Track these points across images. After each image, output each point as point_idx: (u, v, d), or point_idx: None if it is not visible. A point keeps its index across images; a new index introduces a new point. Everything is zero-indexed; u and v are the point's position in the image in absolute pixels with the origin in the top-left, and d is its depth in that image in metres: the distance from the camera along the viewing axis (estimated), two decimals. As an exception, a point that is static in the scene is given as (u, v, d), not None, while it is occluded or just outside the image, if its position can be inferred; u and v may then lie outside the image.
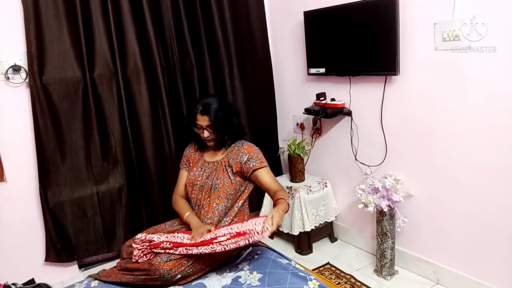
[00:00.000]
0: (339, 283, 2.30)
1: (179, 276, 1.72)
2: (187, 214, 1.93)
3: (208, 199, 1.90)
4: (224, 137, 1.95)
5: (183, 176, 2.09)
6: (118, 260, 1.98)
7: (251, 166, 1.88)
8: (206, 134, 1.92)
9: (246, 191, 1.97)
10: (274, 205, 1.77)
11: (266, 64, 2.98)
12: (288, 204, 1.77)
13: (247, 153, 1.91)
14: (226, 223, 1.89)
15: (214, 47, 2.71)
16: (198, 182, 1.97)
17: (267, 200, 2.85)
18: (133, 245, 1.77)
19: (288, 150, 2.71)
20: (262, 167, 1.89)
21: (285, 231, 2.67)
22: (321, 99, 2.57)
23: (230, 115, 1.96)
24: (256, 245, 2.00)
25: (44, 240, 2.30)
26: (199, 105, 1.91)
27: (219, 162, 1.95)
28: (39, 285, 1.90)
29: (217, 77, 2.76)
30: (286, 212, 1.74)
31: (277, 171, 3.10)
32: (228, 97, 2.79)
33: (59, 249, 2.31)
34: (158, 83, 2.47)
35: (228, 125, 1.94)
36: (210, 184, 1.91)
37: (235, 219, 1.92)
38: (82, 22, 2.22)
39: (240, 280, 1.71)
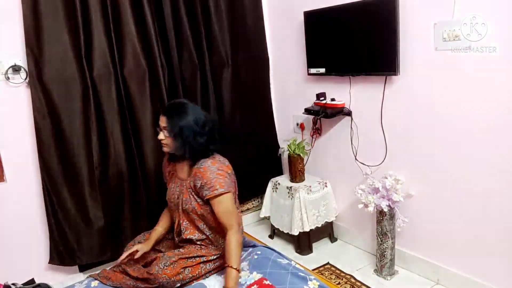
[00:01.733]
0: (339, 283, 2.30)
1: (178, 284, 1.73)
2: (154, 230, 1.96)
3: (185, 219, 1.83)
4: (180, 149, 1.76)
5: (168, 190, 1.97)
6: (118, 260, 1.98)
7: (204, 195, 1.72)
8: (161, 136, 1.77)
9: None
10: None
11: (263, 64, 2.98)
12: (237, 270, 1.63)
13: (201, 178, 1.71)
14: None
15: (212, 47, 2.71)
16: (173, 200, 1.87)
17: (267, 199, 2.85)
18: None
19: (288, 150, 2.71)
20: (215, 196, 1.69)
21: (285, 231, 2.67)
22: (321, 99, 2.57)
23: (194, 129, 1.73)
24: (256, 245, 2.00)
25: (44, 240, 2.30)
26: (167, 105, 1.80)
27: (185, 184, 1.81)
28: (39, 285, 1.89)
29: (215, 77, 2.76)
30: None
31: (277, 171, 3.10)
32: (224, 96, 2.79)
33: (62, 251, 2.30)
34: (158, 83, 2.47)
35: (187, 138, 1.72)
36: (181, 206, 1.81)
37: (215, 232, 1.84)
38: (82, 22, 2.21)
39: (240, 280, 1.71)
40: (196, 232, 1.83)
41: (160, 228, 1.97)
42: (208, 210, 1.77)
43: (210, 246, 1.83)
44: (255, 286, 1.63)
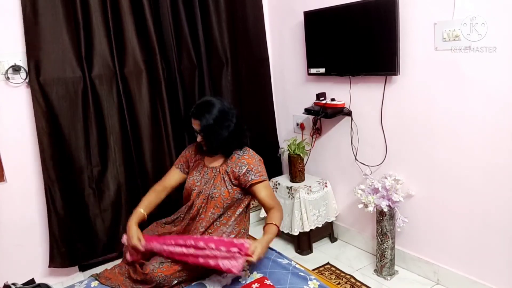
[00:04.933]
0: (339, 283, 2.30)
1: (176, 281, 1.72)
2: (137, 210, 1.89)
3: (205, 207, 1.84)
4: (214, 146, 1.83)
5: (173, 174, 2.01)
6: (119, 260, 1.98)
7: (249, 179, 1.79)
8: (199, 138, 1.83)
9: (246, 199, 1.89)
10: (264, 228, 1.74)
11: (263, 64, 2.98)
12: (278, 228, 1.73)
13: (247, 164, 1.81)
14: (224, 228, 1.85)
15: (211, 47, 2.71)
16: (196, 188, 1.88)
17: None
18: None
19: (288, 150, 2.71)
20: (261, 181, 1.80)
21: (285, 231, 2.67)
22: (321, 99, 2.57)
23: (222, 126, 1.78)
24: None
25: (44, 240, 2.30)
26: (193, 108, 1.82)
27: (218, 170, 1.86)
28: (39, 285, 1.89)
29: (214, 77, 2.76)
30: (277, 235, 1.73)
31: (277, 171, 3.10)
32: (224, 96, 2.79)
33: (63, 253, 2.29)
34: (158, 83, 2.47)
35: (219, 136, 1.79)
36: (207, 193, 1.83)
37: (233, 228, 1.87)
38: (82, 22, 2.22)
39: (240, 280, 1.71)
40: (209, 217, 1.83)
41: (141, 210, 1.91)
42: (234, 199, 1.83)
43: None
44: (256, 284, 1.63)
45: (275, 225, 1.73)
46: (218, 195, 1.82)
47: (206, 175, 1.89)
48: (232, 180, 1.83)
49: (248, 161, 1.82)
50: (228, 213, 1.86)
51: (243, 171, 1.80)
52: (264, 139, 3.04)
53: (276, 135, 3.13)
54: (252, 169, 1.80)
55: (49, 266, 2.27)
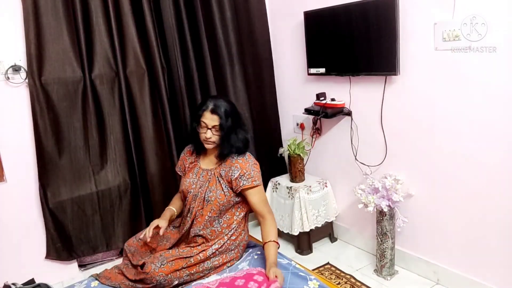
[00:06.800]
0: (339, 283, 2.30)
1: (176, 282, 1.72)
2: (168, 208, 1.96)
3: (201, 210, 1.81)
4: (226, 144, 1.79)
5: (181, 179, 1.99)
6: (120, 260, 1.98)
7: (241, 184, 1.75)
8: (209, 134, 1.77)
9: (243, 202, 1.86)
10: (264, 246, 1.73)
11: (267, 64, 2.96)
12: (278, 243, 1.72)
13: (240, 168, 1.77)
14: (221, 232, 1.83)
15: (215, 47, 2.71)
16: (192, 190, 1.86)
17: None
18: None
19: (288, 150, 2.71)
20: (253, 187, 1.77)
21: (285, 231, 2.67)
22: (321, 99, 2.57)
23: (238, 125, 1.83)
24: (256, 245, 2.00)
25: (44, 240, 2.30)
26: (210, 103, 1.76)
27: (212, 172, 1.83)
28: (39, 285, 1.90)
29: (219, 78, 2.76)
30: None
31: (280, 171, 3.07)
32: (231, 97, 2.79)
33: (59, 248, 2.31)
34: (159, 83, 2.48)
35: (235, 133, 1.80)
36: (203, 196, 1.81)
37: (235, 230, 1.86)
38: (82, 22, 2.22)
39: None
40: (206, 221, 1.82)
41: (173, 208, 1.97)
42: (231, 202, 1.81)
43: (212, 241, 1.82)
44: (257, 276, 1.63)
45: (275, 242, 1.72)
46: (213, 198, 1.79)
47: (201, 177, 1.87)
48: (227, 183, 1.80)
49: (241, 165, 1.78)
50: (227, 215, 1.83)
51: (236, 176, 1.76)
52: (269, 139, 3.01)
53: (280, 135, 3.10)
54: (244, 174, 1.76)
55: (46, 258, 2.30)
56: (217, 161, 1.85)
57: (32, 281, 1.95)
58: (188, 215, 1.86)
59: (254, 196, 1.78)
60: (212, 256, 1.79)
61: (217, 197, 1.79)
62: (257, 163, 1.85)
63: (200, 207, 1.82)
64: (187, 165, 1.97)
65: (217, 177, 1.82)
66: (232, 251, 1.85)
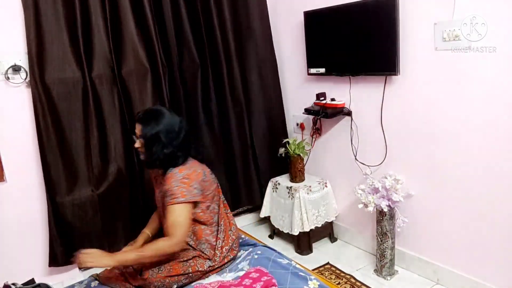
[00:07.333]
0: (339, 283, 2.30)
1: (175, 286, 1.72)
2: (142, 232, 1.98)
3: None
4: (147, 154, 1.73)
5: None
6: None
7: (165, 201, 1.68)
8: (137, 144, 1.75)
9: (202, 204, 1.76)
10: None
11: (270, 62, 2.92)
12: (141, 254, 1.62)
13: (167, 184, 1.68)
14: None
15: (214, 46, 2.70)
16: (158, 205, 1.86)
17: (267, 199, 2.85)
18: None
19: (288, 150, 2.71)
20: (171, 204, 1.64)
21: (285, 231, 2.67)
22: (321, 99, 2.57)
23: (167, 137, 1.70)
24: (256, 244, 2.00)
25: (44, 240, 2.30)
26: (141, 112, 1.76)
27: (162, 190, 1.77)
28: (38, 285, 1.89)
29: (217, 77, 2.75)
30: (135, 261, 1.63)
31: (281, 170, 3.05)
32: (228, 97, 2.77)
33: (62, 252, 2.29)
34: (159, 83, 2.47)
35: (161, 146, 1.69)
36: (164, 211, 1.74)
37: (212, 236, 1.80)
38: (81, 22, 2.22)
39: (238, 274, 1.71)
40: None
41: (147, 231, 1.98)
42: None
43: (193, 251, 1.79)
44: (253, 273, 1.63)
45: (142, 248, 1.66)
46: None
47: (160, 193, 1.82)
48: None
49: (167, 181, 1.69)
50: (195, 228, 1.76)
51: (163, 192, 1.71)
52: (274, 138, 2.97)
53: (286, 133, 3.04)
54: (168, 191, 1.67)
55: (49, 266, 2.28)
56: (162, 177, 1.77)
57: (32, 281, 1.94)
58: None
59: (167, 214, 1.65)
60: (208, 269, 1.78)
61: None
62: (191, 177, 1.70)
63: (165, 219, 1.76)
64: (154, 180, 1.93)
65: (164, 192, 1.74)
66: (223, 252, 1.82)
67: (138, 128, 1.73)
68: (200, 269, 1.74)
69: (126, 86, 2.39)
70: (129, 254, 1.66)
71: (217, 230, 1.84)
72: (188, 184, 1.68)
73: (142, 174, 2.49)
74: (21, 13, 2.08)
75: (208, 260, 1.77)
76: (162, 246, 1.64)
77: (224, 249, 1.81)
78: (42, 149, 2.19)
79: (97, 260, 1.61)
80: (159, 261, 1.71)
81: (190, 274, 1.74)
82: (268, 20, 2.91)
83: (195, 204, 1.72)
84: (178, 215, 1.64)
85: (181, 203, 1.64)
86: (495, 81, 1.78)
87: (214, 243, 1.81)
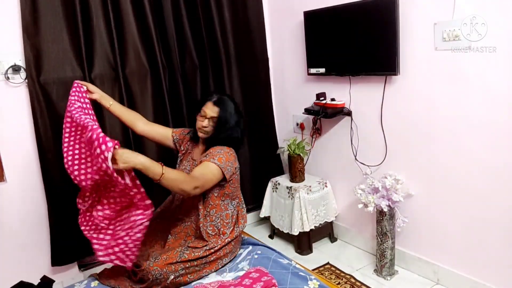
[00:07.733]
0: (339, 283, 2.30)
1: (172, 276, 1.71)
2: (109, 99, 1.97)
3: (187, 199, 1.85)
4: (219, 137, 1.85)
5: (164, 130, 2.04)
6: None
7: (201, 159, 1.78)
8: (205, 123, 1.84)
9: (224, 187, 1.83)
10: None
11: (263, 65, 2.99)
12: (162, 174, 1.58)
13: (210, 151, 1.81)
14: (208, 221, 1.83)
15: (214, 48, 2.72)
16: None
17: (267, 199, 2.85)
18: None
19: (288, 150, 2.71)
20: (207, 160, 1.74)
21: (285, 231, 2.67)
22: (321, 99, 2.57)
23: (236, 124, 1.88)
24: (256, 244, 2.00)
25: (45, 240, 2.30)
26: (215, 95, 1.87)
27: (196, 162, 1.86)
28: (39, 285, 1.90)
29: (217, 78, 2.77)
30: (147, 169, 1.58)
31: (277, 170, 3.09)
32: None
33: (64, 251, 2.30)
34: (159, 83, 2.48)
35: (229, 130, 1.86)
36: None
37: (214, 215, 1.85)
38: (82, 22, 2.22)
39: (238, 273, 1.71)
40: (191, 210, 1.85)
41: (111, 102, 1.97)
42: (212, 195, 1.81)
43: (197, 232, 1.83)
44: (253, 273, 1.63)
45: (162, 172, 1.58)
46: None
47: (188, 166, 1.92)
48: None
49: (212, 150, 1.82)
50: (214, 210, 1.82)
51: (200, 158, 1.81)
52: (264, 138, 3.04)
53: (275, 134, 3.14)
54: (209, 153, 1.79)
55: (52, 265, 2.28)
56: (203, 152, 1.90)
57: (45, 278, 1.97)
58: (176, 201, 1.93)
59: (199, 167, 1.73)
60: (206, 253, 1.79)
61: None
62: (231, 153, 1.83)
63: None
64: (183, 148, 2.02)
65: (200, 158, 1.83)
66: (226, 247, 1.84)
67: (212, 110, 1.83)
68: (197, 253, 1.75)
69: (128, 86, 2.40)
70: (156, 163, 1.63)
71: (229, 222, 1.88)
72: (227, 158, 1.79)
73: (141, 173, 2.49)
74: (21, 13, 2.07)
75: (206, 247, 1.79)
76: (183, 177, 1.66)
77: (226, 240, 1.83)
78: (42, 149, 2.19)
79: (135, 157, 1.58)
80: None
81: (187, 264, 1.73)
82: (263, 21, 2.94)
83: (218, 183, 1.80)
84: (210, 172, 1.73)
85: (216, 165, 1.74)
86: (495, 81, 1.78)
87: (219, 230, 1.85)
